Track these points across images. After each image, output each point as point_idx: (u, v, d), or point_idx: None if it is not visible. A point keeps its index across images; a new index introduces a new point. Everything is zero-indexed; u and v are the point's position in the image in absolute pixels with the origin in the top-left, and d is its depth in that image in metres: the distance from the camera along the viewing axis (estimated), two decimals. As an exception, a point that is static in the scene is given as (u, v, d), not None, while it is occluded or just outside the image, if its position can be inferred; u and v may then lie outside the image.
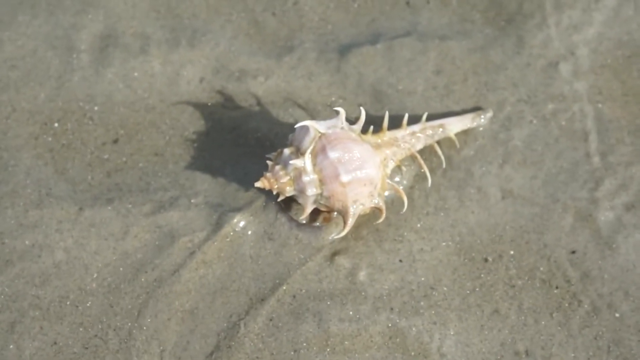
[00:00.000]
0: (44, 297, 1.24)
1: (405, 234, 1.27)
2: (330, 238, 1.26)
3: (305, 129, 1.20)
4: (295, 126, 1.21)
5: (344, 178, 1.18)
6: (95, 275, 1.25)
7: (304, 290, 1.24)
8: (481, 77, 1.37)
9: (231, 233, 1.27)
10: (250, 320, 1.22)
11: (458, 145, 1.32)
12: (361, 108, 1.24)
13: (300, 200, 1.22)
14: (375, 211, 1.25)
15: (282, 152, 1.22)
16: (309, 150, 1.19)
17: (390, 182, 1.23)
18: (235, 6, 1.45)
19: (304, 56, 1.40)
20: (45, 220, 1.28)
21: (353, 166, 1.19)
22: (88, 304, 1.24)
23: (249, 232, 1.27)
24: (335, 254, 1.26)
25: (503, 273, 1.25)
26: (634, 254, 1.25)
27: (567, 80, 1.36)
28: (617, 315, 1.22)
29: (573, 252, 1.26)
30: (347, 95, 1.36)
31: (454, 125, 1.31)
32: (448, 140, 1.32)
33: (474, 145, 1.33)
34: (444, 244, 1.27)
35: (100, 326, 1.23)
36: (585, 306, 1.23)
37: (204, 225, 1.27)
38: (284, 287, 1.24)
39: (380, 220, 1.24)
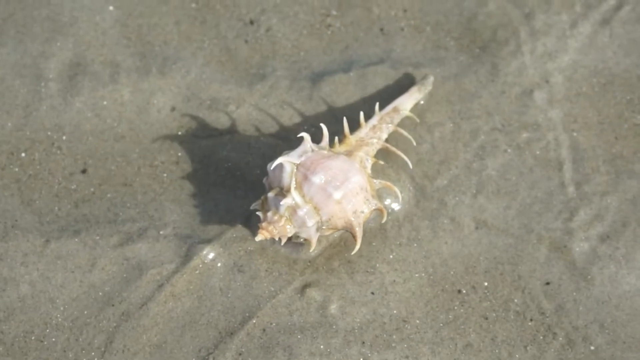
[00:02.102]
0: (7, 332, 1.22)
1: (378, 265, 1.25)
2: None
3: (280, 166, 1.18)
4: (270, 168, 1.19)
5: (337, 195, 1.17)
6: (61, 309, 1.23)
7: (274, 324, 1.22)
8: (455, 105, 1.35)
9: (200, 265, 1.25)
10: (220, 355, 1.20)
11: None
12: (322, 125, 1.23)
13: (304, 235, 1.20)
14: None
15: (266, 198, 1.20)
16: (293, 185, 1.17)
17: (376, 180, 1.23)
18: (207, 33, 1.43)
19: (276, 84, 1.38)
20: (10, 253, 1.26)
21: (339, 181, 1.18)
22: (53, 339, 1.21)
23: (219, 264, 1.25)
24: (306, 286, 1.24)
25: (477, 305, 1.23)
26: (609, 285, 1.24)
27: (541, 109, 1.35)
28: (592, 348, 1.20)
29: (547, 283, 1.24)
30: (319, 124, 1.34)
31: (406, 103, 1.32)
32: (420, 164, 1.30)
33: (447, 174, 1.31)
34: (416, 275, 1.25)
35: (66, 361, 1.20)
36: (560, 339, 1.21)
37: (173, 257, 1.25)
38: (254, 321, 1.22)
39: (384, 220, 1.23)
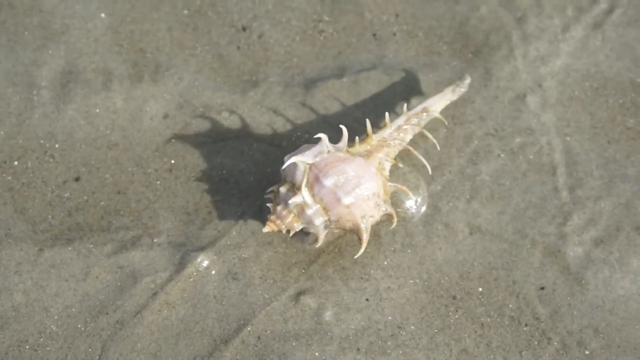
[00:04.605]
0: (2, 341, 1.21)
1: (372, 272, 1.25)
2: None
3: (294, 163, 1.18)
4: (283, 167, 1.18)
5: (346, 200, 1.17)
6: (55, 318, 1.23)
7: (268, 331, 1.22)
8: (448, 110, 1.35)
9: (194, 273, 1.24)
10: (214, 363, 1.20)
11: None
12: (341, 126, 1.22)
13: (311, 230, 1.21)
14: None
15: (278, 190, 1.20)
16: (304, 184, 1.17)
17: (392, 183, 1.22)
18: (200, 39, 1.43)
19: (268, 90, 1.38)
20: (4, 262, 1.25)
21: (351, 186, 1.18)
22: (48, 348, 1.21)
23: (213, 272, 1.25)
24: (300, 293, 1.24)
25: (471, 311, 1.23)
26: (603, 289, 1.24)
27: (534, 113, 1.35)
28: (587, 352, 1.20)
29: (542, 288, 1.24)
30: (313, 130, 1.34)
31: (437, 105, 1.30)
32: (414, 170, 1.30)
33: (441, 180, 1.31)
34: (411, 281, 1.25)
35: (60, 371, 1.20)
36: (555, 344, 1.21)
37: (167, 265, 1.25)
38: (249, 328, 1.22)
39: (393, 225, 1.23)
